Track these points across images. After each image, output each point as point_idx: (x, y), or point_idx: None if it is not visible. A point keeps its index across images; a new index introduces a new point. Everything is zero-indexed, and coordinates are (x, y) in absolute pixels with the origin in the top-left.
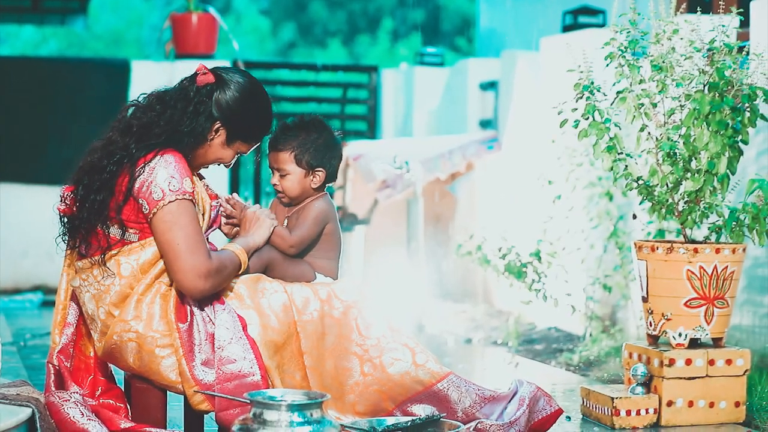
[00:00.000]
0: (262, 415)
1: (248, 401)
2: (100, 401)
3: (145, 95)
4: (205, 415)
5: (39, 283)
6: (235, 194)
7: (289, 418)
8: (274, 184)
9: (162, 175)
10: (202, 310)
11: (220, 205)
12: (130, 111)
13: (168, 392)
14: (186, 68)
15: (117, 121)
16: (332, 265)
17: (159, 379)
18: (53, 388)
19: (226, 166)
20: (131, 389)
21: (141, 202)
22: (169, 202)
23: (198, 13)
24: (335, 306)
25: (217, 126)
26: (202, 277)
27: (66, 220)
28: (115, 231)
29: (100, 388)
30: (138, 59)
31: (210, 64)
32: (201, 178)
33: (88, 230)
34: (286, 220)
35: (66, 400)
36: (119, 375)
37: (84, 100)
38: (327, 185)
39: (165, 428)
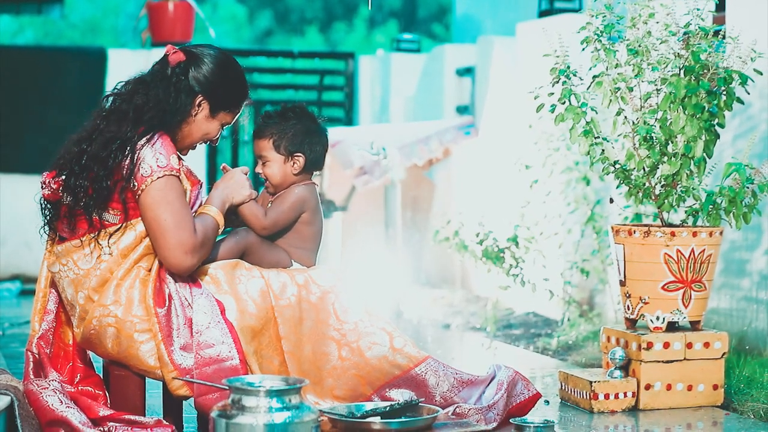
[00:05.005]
0: (241, 401)
1: (227, 387)
2: (79, 388)
3: (123, 83)
4: (184, 401)
5: (17, 272)
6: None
7: (268, 404)
8: (258, 173)
9: (149, 153)
10: (180, 294)
11: (199, 191)
12: (110, 100)
13: (147, 379)
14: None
15: (100, 110)
16: (309, 255)
17: (137, 365)
18: (32, 376)
19: (212, 142)
20: (110, 377)
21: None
22: (158, 178)
23: (174, 1)
24: (312, 291)
25: (199, 100)
26: (188, 253)
27: (49, 205)
28: (101, 214)
29: (78, 375)
30: (114, 48)
31: None
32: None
33: (75, 214)
34: (270, 204)
35: (45, 388)
36: (98, 363)
37: (61, 89)
38: (312, 172)
39: (144, 415)
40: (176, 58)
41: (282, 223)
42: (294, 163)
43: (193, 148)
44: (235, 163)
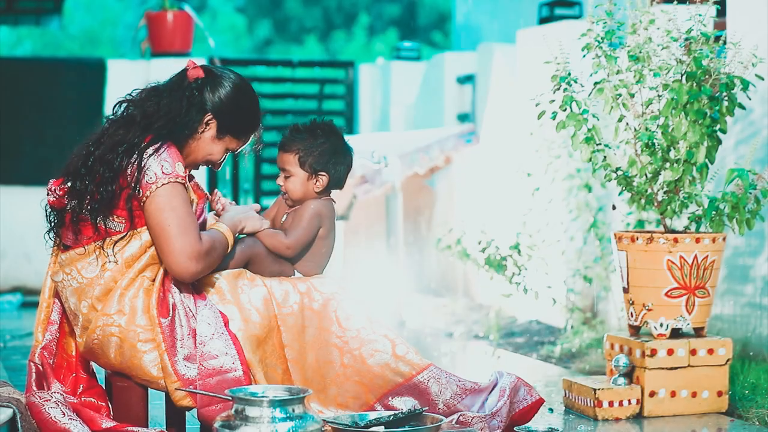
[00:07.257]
0: (244, 412)
1: (230, 398)
2: (82, 399)
3: (138, 90)
4: (187, 412)
5: (17, 285)
6: (217, 191)
7: (271, 414)
8: (279, 184)
9: (154, 161)
10: (185, 305)
11: (205, 205)
12: (123, 107)
13: (149, 390)
14: (162, 66)
15: (113, 116)
16: (316, 270)
17: (140, 375)
18: (34, 388)
19: (215, 166)
20: (112, 388)
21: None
22: (163, 184)
23: (173, 11)
24: (315, 299)
25: (207, 118)
26: (193, 259)
27: (54, 212)
28: (106, 222)
29: (81, 386)
30: (114, 58)
31: (186, 61)
32: (191, 178)
33: (80, 221)
34: (285, 216)
35: (47, 400)
36: (101, 374)
37: (60, 101)
38: (332, 190)
39: (147, 427)
40: (195, 73)
41: (304, 240)
42: (317, 182)
43: (196, 168)
44: (236, 173)
